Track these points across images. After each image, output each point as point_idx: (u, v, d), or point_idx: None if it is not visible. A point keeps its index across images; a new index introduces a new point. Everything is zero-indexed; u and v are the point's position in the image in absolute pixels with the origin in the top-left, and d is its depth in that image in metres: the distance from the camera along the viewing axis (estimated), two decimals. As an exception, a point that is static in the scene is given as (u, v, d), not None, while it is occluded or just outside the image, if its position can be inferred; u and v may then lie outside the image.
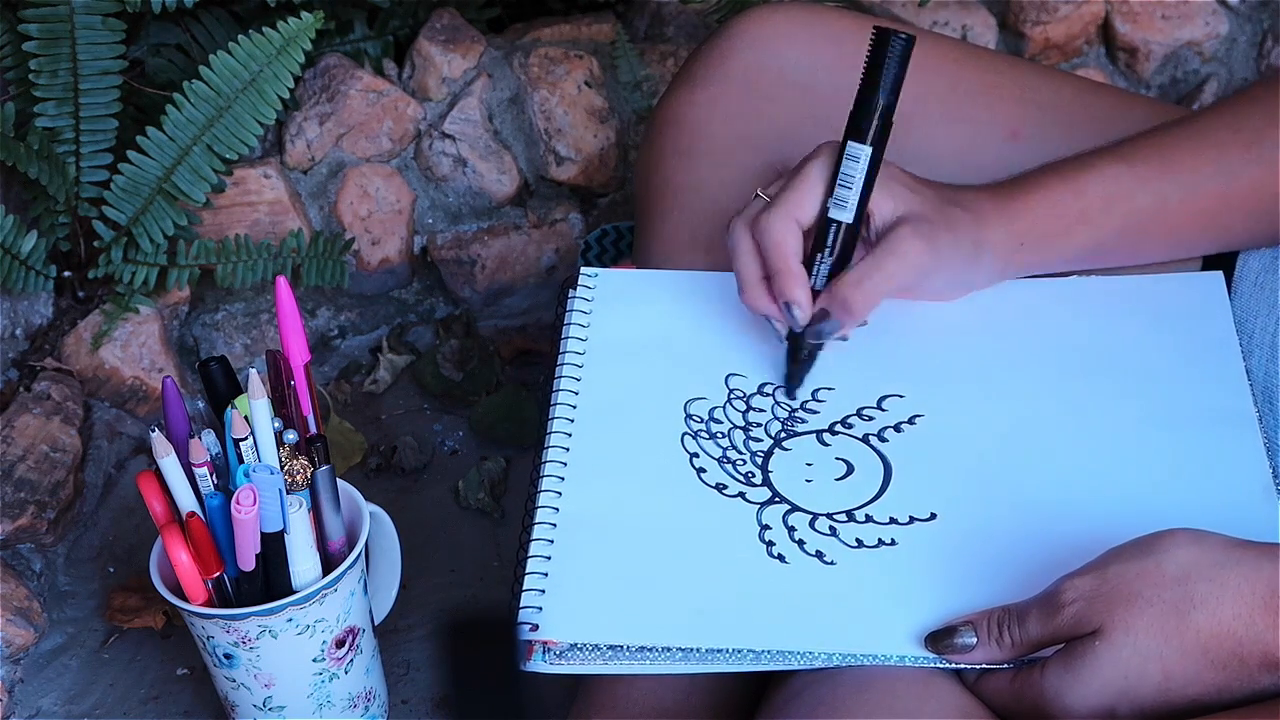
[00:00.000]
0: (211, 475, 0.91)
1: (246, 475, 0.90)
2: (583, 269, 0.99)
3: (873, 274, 0.86)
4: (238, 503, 0.88)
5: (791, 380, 0.90)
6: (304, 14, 1.23)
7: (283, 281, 0.94)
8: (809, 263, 0.88)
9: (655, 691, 0.87)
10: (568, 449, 0.88)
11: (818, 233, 0.88)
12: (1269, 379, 0.89)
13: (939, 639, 0.75)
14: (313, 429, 0.98)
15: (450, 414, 1.35)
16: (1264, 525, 0.79)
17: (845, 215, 0.87)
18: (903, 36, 0.86)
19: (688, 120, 1.02)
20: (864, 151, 0.86)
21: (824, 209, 0.87)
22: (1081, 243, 0.91)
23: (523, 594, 0.79)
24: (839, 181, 0.87)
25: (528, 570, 0.81)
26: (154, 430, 0.91)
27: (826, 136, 0.92)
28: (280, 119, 1.35)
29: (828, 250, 0.88)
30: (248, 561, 0.91)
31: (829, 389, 0.91)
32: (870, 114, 0.86)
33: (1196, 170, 0.89)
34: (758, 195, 0.90)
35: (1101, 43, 1.56)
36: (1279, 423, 0.87)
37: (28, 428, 1.20)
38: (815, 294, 0.88)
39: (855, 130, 0.86)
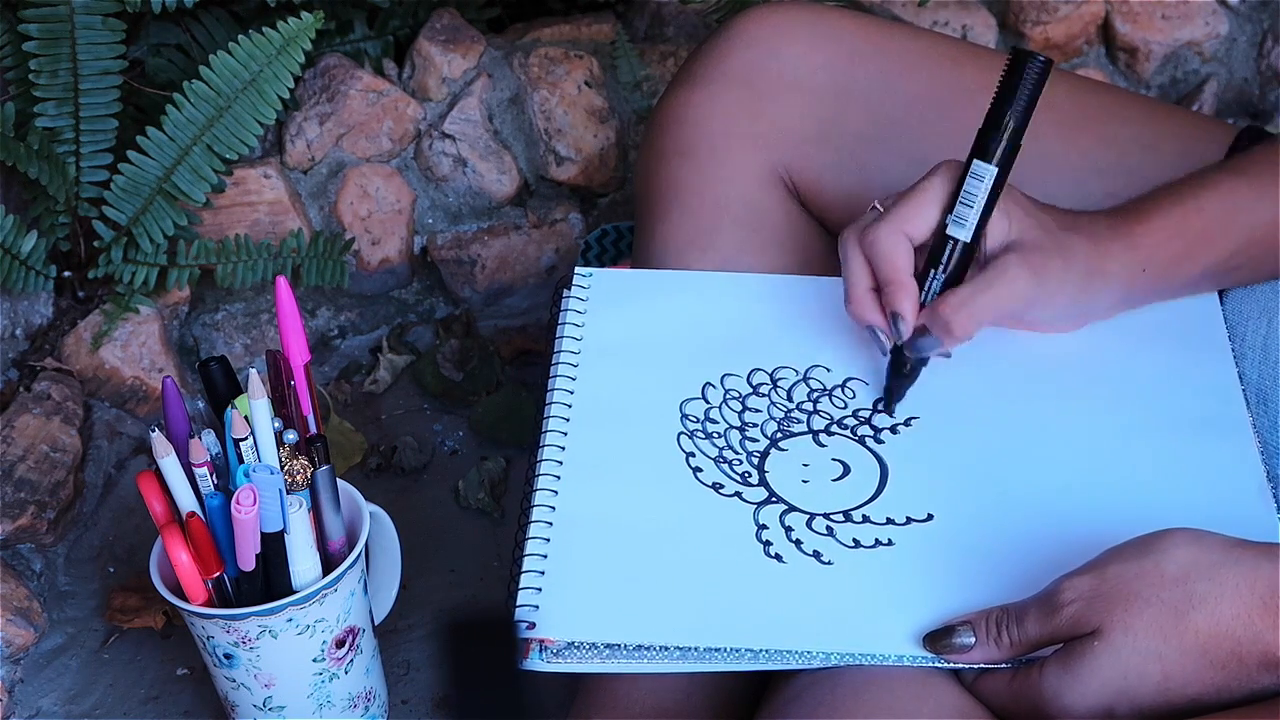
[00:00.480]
0: (211, 475, 0.91)
1: (246, 475, 0.90)
2: (577, 269, 0.99)
3: (975, 298, 0.84)
4: (238, 503, 0.88)
5: (892, 395, 0.89)
6: (304, 14, 1.23)
7: (283, 281, 0.94)
8: (921, 278, 0.86)
9: (655, 691, 0.87)
10: (563, 449, 0.88)
11: (933, 249, 0.86)
12: (1262, 382, 0.89)
13: (937, 639, 0.75)
14: (313, 429, 0.98)
15: (450, 414, 1.35)
16: (1259, 529, 0.79)
17: (964, 234, 0.85)
18: (1040, 59, 0.85)
19: (688, 120, 1.02)
20: (989, 172, 0.84)
21: (941, 226, 0.86)
22: (1205, 264, 0.89)
23: (519, 593, 0.79)
24: (960, 199, 0.85)
25: (524, 569, 0.81)
26: (154, 430, 0.91)
27: (826, 135, 0.92)
28: (280, 119, 1.35)
29: (941, 268, 0.86)
30: (248, 561, 0.91)
31: (836, 388, 0.91)
32: (1000, 134, 0.84)
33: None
34: (873, 207, 0.88)
35: (1101, 43, 1.56)
36: (1274, 425, 0.87)
37: (28, 428, 1.20)
38: (923, 308, 0.86)
39: (981, 149, 0.85)
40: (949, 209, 0.85)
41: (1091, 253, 0.86)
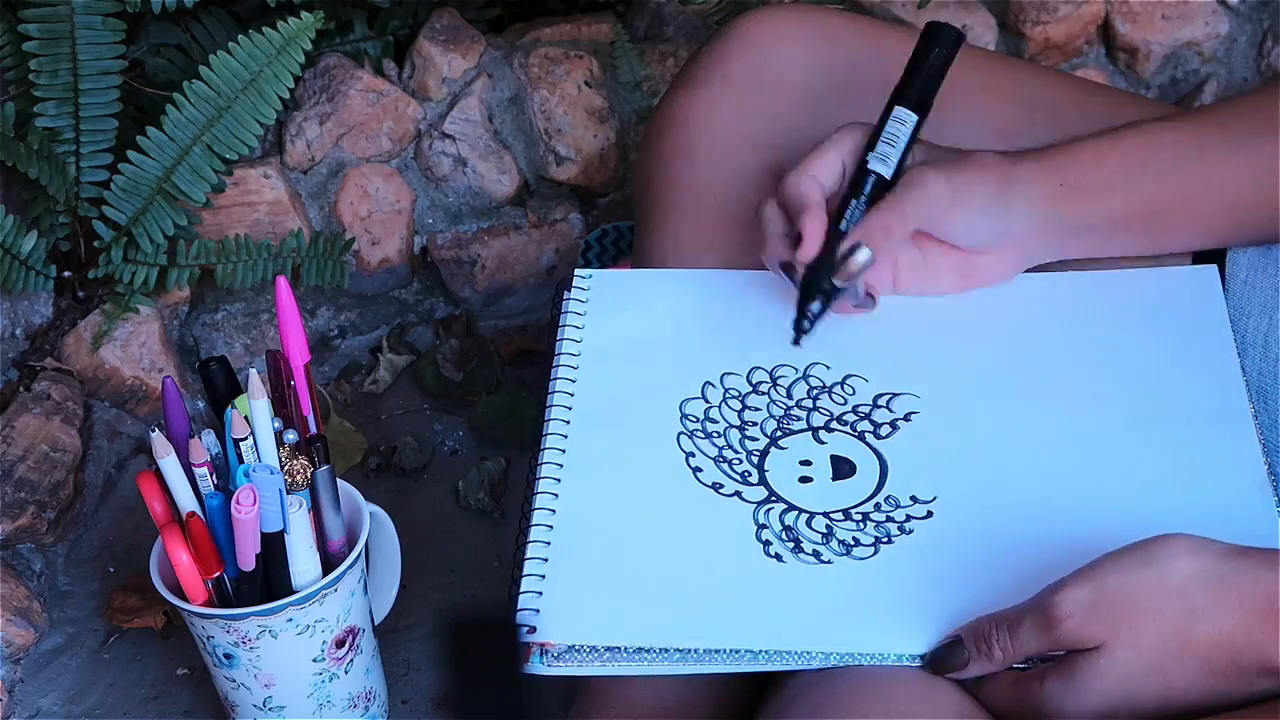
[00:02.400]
0: (211, 475, 0.91)
1: (246, 475, 0.90)
2: (577, 270, 0.99)
3: (896, 206, 0.87)
4: (238, 503, 0.88)
5: (800, 321, 0.89)
6: (304, 14, 1.23)
7: (283, 281, 0.94)
8: (840, 210, 0.89)
9: (655, 691, 0.87)
10: (564, 450, 0.88)
11: (853, 180, 0.89)
12: (1263, 378, 0.89)
13: (939, 663, 0.74)
14: (312, 429, 0.98)
15: (450, 414, 1.35)
16: (1258, 524, 0.79)
17: (885, 169, 0.89)
18: (953, 31, 0.91)
19: (688, 121, 1.02)
20: (910, 117, 0.89)
21: (861, 163, 0.89)
22: (1126, 198, 0.89)
23: (520, 596, 0.79)
24: (882, 139, 0.89)
25: (525, 573, 0.81)
26: (154, 430, 0.91)
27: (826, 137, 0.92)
28: (280, 119, 1.35)
29: (864, 198, 0.89)
30: (248, 561, 0.91)
31: (832, 384, 0.91)
32: (918, 86, 0.90)
33: (1229, 140, 0.89)
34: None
35: (1101, 43, 1.56)
36: (1274, 421, 0.87)
37: (28, 428, 1.20)
38: (842, 237, 0.88)
39: (901, 97, 0.90)
40: (867, 149, 0.89)
41: (1004, 164, 0.89)
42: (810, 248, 0.87)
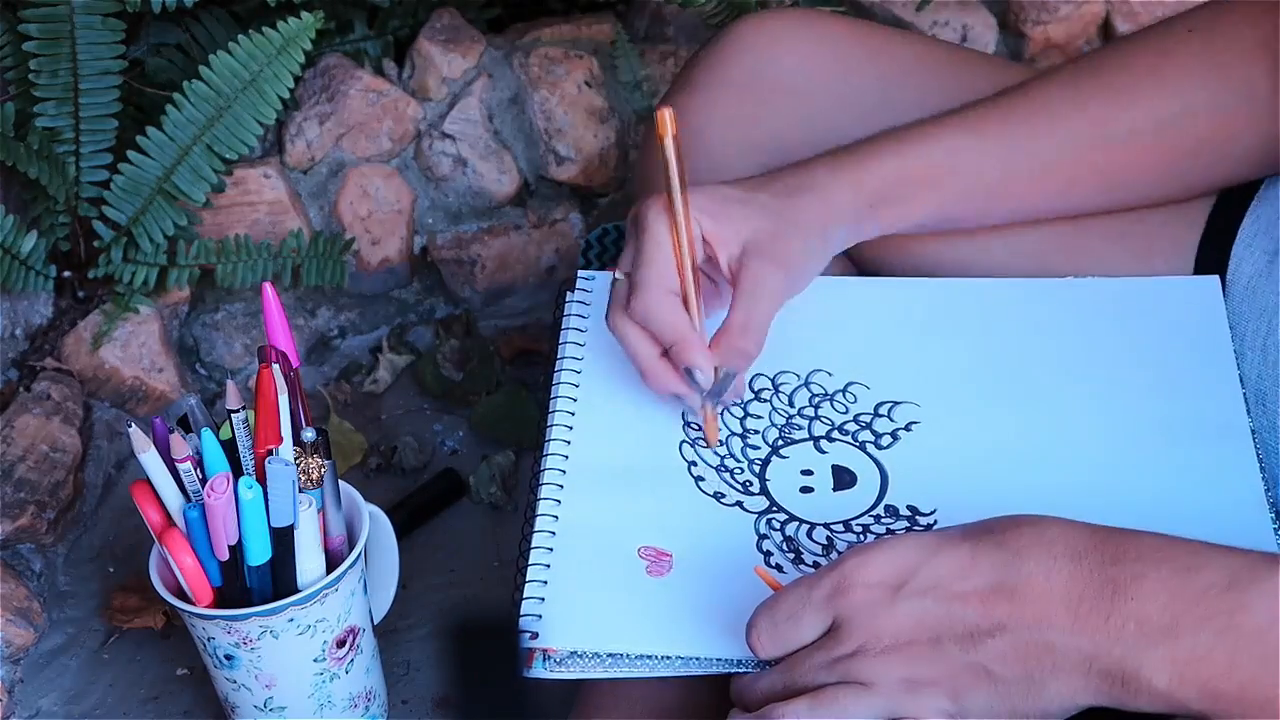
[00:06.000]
0: (197, 470, 0.90)
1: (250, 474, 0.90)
2: (580, 272, 0.99)
3: (750, 318, 0.86)
4: (211, 489, 0.87)
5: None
6: (304, 14, 1.23)
7: (268, 288, 0.94)
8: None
9: (656, 692, 0.87)
10: (567, 456, 0.88)
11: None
12: (1261, 382, 0.89)
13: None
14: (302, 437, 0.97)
15: (450, 414, 1.35)
16: (1256, 536, 0.79)
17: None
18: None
19: (686, 125, 1.02)
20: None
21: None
22: (927, 208, 0.92)
23: (523, 602, 0.80)
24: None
25: (528, 578, 0.81)
26: (130, 425, 0.90)
27: (823, 141, 0.92)
28: (280, 119, 1.34)
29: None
30: (222, 551, 0.90)
31: (833, 393, 0.91)
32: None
33: (1035, 140, 0.91)
34: (615, 279, 0.88)
35: (1102, 42, 1.56)
36: (1272, 425, 0.87)
37: (28, 428, 1.20)
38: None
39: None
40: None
41: (818, 207, 0.89)
42: (706, 381, 0.85)
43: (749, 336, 0.86)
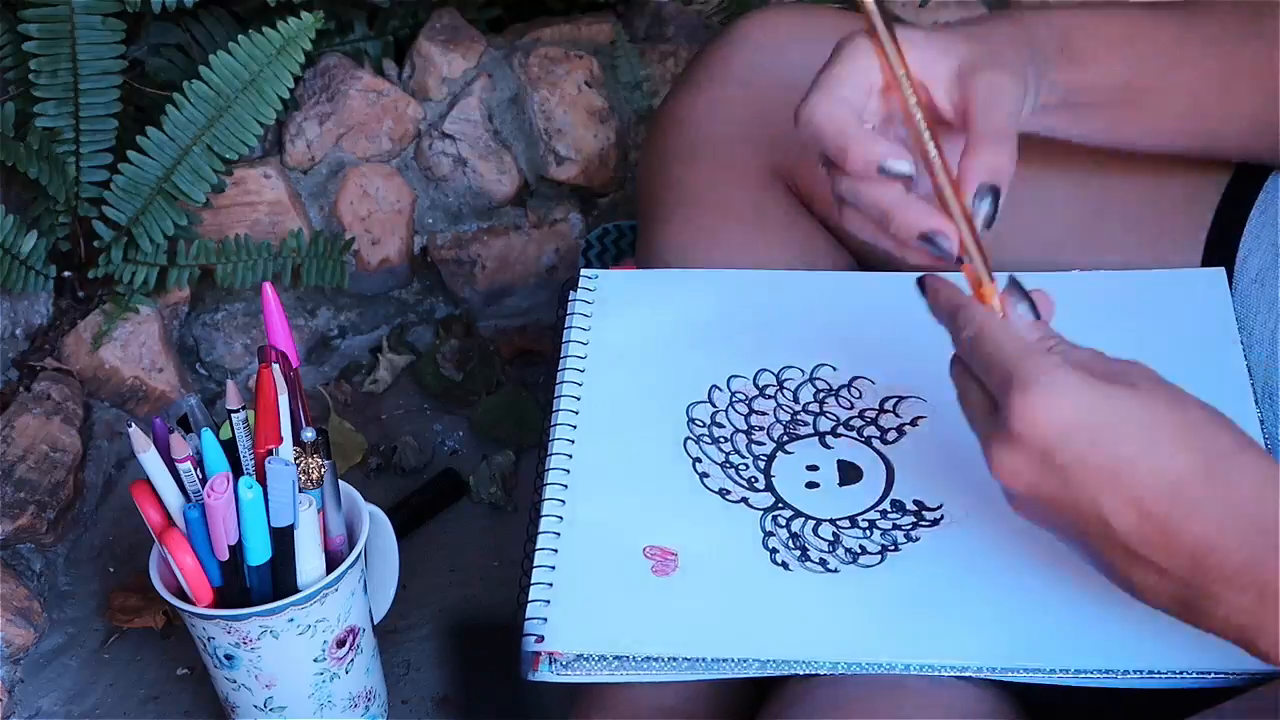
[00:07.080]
0: (197, 470, 0.91)
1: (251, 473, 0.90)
2: (583, 270, 0.99)
3: (994, 128, 0.77)
4: (211, 489, 0.87)
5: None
6: (304, 14, 1.23)
7: (269, 288, 0.94)
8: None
9: (658, 692, 0.87)
10: (571, 456, 0.88)
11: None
12: (1269, 376, 0.89)
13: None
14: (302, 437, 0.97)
15: (450, 414, 1.35)
16: None
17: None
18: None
19: (689, 122, 1.02)
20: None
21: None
22: (1098, 73, 0.85)
23: (528, 605, 0.79)
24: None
25: (533, 581, 0.81)
26: (130, 425, 0.90)
27: None
28: (280, 119, 1.34)
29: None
30: (222, 551, 0.90)
31: (842, 388, 0.91)
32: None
33: (1205, 40, 0.87)
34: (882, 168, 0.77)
35: (1101, 43, 1.56)
36: (1279, 419, 0.87)
37: (28, 428, 1.20)
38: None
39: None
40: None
41: (1023, 40, 0.82)
42: (952, 248, 0.75)
43: (1002, 146, 0.76)
